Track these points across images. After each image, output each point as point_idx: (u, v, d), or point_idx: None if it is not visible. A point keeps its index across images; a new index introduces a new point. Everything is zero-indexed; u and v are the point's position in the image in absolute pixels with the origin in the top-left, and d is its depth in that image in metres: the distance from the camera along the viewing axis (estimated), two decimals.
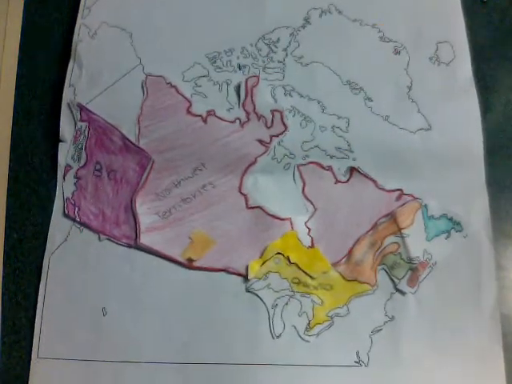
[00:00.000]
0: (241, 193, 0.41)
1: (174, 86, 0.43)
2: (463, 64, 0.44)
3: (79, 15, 0.47)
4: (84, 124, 0.44)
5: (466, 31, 0.45)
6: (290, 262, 0.40)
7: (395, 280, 0.39)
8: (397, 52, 0.44)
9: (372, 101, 0.43)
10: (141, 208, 0.41)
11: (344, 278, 0.40)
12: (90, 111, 0.44)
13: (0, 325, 0.41)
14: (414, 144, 0.42)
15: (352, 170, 0.41)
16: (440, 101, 0.43)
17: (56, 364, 0.39)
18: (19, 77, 0.47)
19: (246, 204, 0.41)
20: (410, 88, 0.43)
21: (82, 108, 0.44)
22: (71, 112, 0.44)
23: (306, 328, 0.39)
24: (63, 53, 0.47)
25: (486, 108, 0.43)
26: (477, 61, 0.44)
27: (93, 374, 0.39)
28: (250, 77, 0.43)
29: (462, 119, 0.42)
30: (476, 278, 0.39)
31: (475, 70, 0.44)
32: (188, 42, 0.45)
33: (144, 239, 0.40)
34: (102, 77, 0.44)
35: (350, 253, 0.40)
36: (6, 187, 0.44)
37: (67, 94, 0.45)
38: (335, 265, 0.40)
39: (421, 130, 0.42)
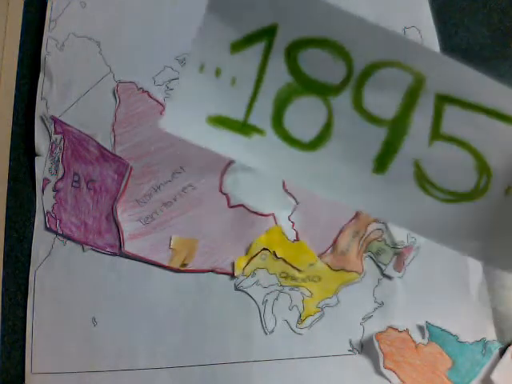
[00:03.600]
0: (221, 192, 0.41)
1: (146, 91, 0.43)
2: (431, 48, 0.44)
3: (45, 28, 0.47)
4: (59, 136, 0.43)
5: (432, 16, 0.45)
6: (276, 256, 0.40)
7: (381, 266, 0.40)
8: None
9: None
10: (122, 215, 0.41)
11: (331, 268, 0.40)
12: (63, 123, 0.43)
13: (0, 325, 0.40)
14: None
15: None
16: None
17: (50, 378, 0.39)
18: (19, 77, 0.47)
19: (228, 203, 0.41)
20: None
21: (55, 121, 0.43)
22: (45, 125, 0.44)
23: (298, 321, 0.39)
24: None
25: None
26: (477, 61, 0.44)
27: None
28: None
29: None
30: (461, 258, 0.39)
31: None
32: (157, 46, 0.45)
33: (128, 247, 0.40)
34: (73, 88, 0.44)
35: (334, 243, 0.40)
36: (6, 187, 0.44)
37: (39, 108, 0.44)
38: (321, 256, 0.40)
39: None
